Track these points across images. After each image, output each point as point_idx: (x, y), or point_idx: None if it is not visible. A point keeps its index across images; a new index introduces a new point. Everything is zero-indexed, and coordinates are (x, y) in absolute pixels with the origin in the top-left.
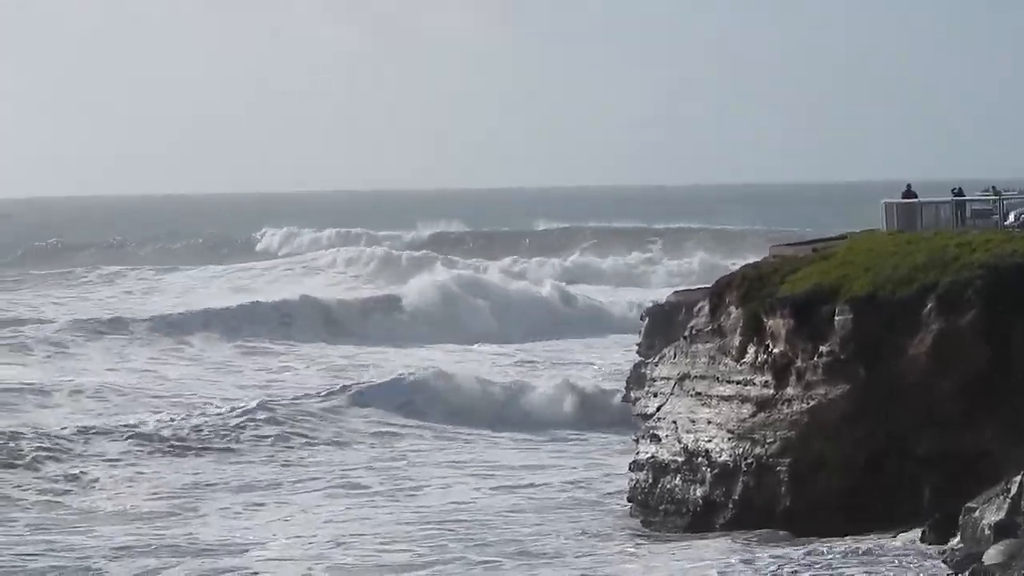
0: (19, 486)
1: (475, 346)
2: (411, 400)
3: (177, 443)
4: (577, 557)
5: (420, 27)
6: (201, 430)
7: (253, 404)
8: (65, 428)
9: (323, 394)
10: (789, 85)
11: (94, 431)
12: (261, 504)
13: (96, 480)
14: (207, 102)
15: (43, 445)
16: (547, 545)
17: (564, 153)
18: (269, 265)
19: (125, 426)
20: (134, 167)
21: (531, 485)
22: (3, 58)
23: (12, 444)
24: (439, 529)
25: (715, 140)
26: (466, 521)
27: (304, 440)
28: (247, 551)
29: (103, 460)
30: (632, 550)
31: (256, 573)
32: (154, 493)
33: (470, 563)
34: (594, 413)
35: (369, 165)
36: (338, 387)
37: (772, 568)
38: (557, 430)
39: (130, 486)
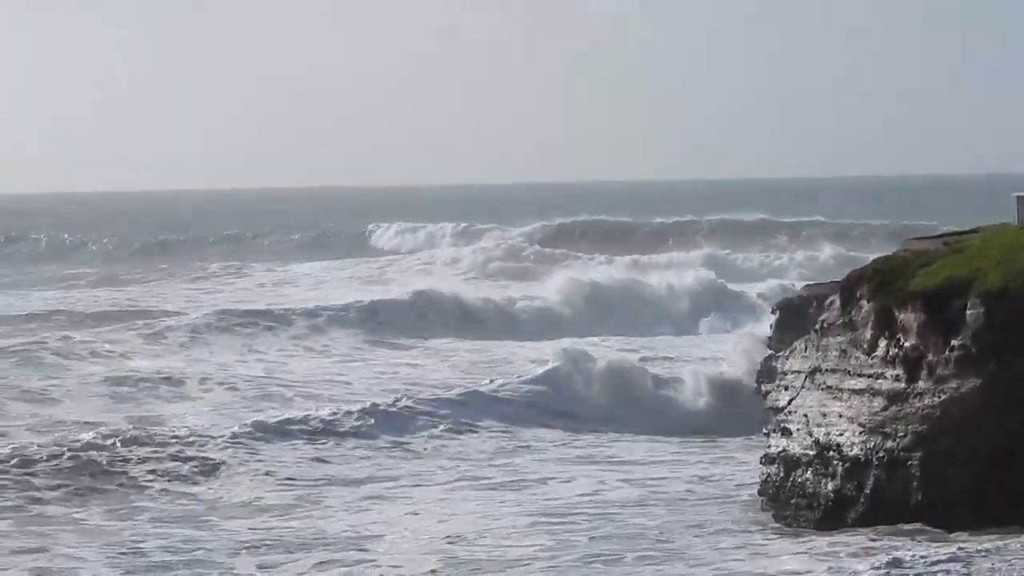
0: (148, 477)
1: (599, 339)
2: (543, 394)
3: (307, 435)
4: (703, 551)
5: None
6: (330, 422)
7: (387, 398)
8: (198, 419)
9: (455, 389)
10: (917, 76)
11: (226, 423)
12: (385, 497)
13: (224, 472)
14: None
15: (175, 435)
16: (672, 539)
17: (673, 145)
18: (391, 259)
19: (256, 420)
20: (249, 162)
21: (658, 478)
22: (130, 54)
23: (143, 434)
24: (562, 523)
25: (841, 131)
26: (589, 514)
27: (431, 434)
28: (371, 545)
29: (232, 451)
30: (763, 543)
31: (379, 567)
32: (280, 485)
33: (592, 556)
34: (724, 406)
35: (460, 159)
36: (471, 382)
37: (923, 567)
38: (685, 423)
39: (255, 478)
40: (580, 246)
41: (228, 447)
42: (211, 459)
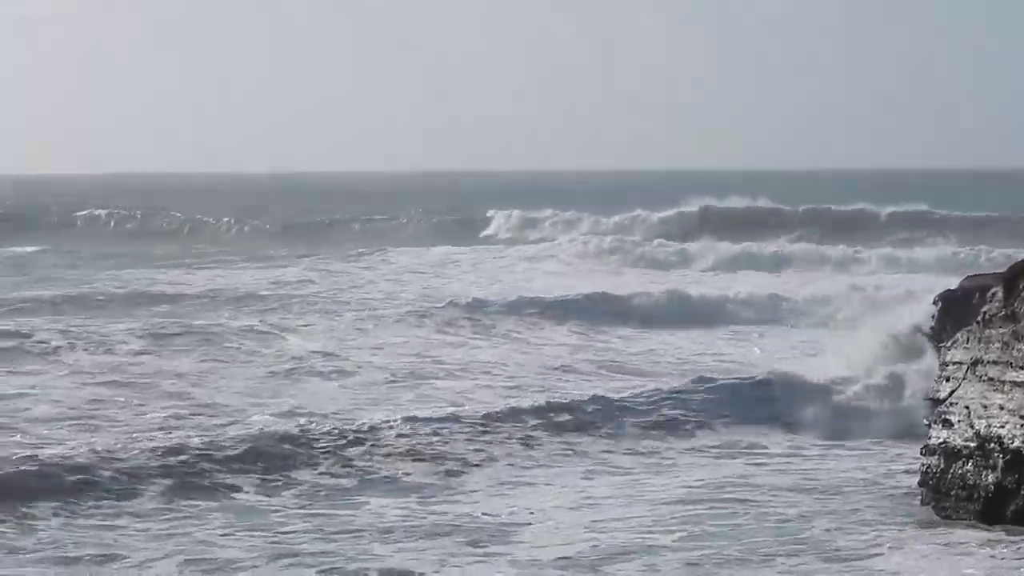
0: (304, 463)
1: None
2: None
3: (475, 426)
4: (851, 541)
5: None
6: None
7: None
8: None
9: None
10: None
11: (388, 411)
12: (527, 484)
13: (378, 455)
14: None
15: (333, 427)
16: (819, 529)
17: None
18: (528, 247)
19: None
20: (365, 144)
21: (809, 467)
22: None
23: (304, 420)
24: (706, 510)
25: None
26: (736, 501)
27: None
28: (511, 531)
29: (388, 435)
30: (918, 534)
31: (517, 555)
32: (431, 470)
33: (734, 542)
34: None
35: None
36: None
37: None
38: (837, 410)
39: (406, 461)
40: (728, 235)
41: (384, 431)
42: (369, 444)
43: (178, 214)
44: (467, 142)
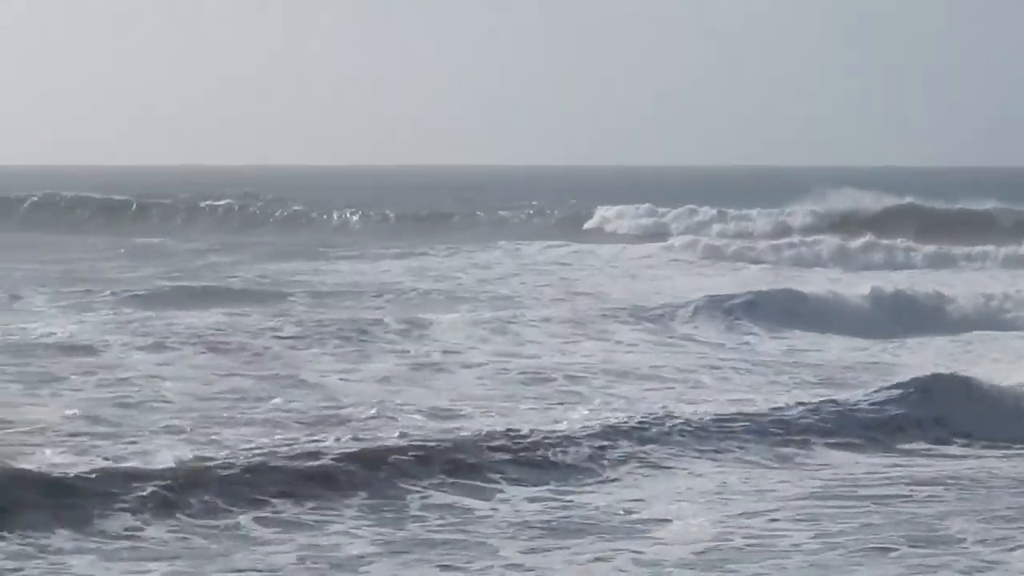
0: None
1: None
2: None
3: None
4: (986, 544)
5: None
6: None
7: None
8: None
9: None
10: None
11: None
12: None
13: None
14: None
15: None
16: (953, 529)
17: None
18: (651, 245)
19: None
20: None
21: (953, 466)
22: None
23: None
24: (836, 508)
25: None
26: (868, 498)
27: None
28: (647, 526)
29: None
30: None
31: (650, 549)
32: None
33: (859, 541)
34: None
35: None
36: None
37: None
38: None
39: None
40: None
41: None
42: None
43: (299, 206)
44: (551, 136)
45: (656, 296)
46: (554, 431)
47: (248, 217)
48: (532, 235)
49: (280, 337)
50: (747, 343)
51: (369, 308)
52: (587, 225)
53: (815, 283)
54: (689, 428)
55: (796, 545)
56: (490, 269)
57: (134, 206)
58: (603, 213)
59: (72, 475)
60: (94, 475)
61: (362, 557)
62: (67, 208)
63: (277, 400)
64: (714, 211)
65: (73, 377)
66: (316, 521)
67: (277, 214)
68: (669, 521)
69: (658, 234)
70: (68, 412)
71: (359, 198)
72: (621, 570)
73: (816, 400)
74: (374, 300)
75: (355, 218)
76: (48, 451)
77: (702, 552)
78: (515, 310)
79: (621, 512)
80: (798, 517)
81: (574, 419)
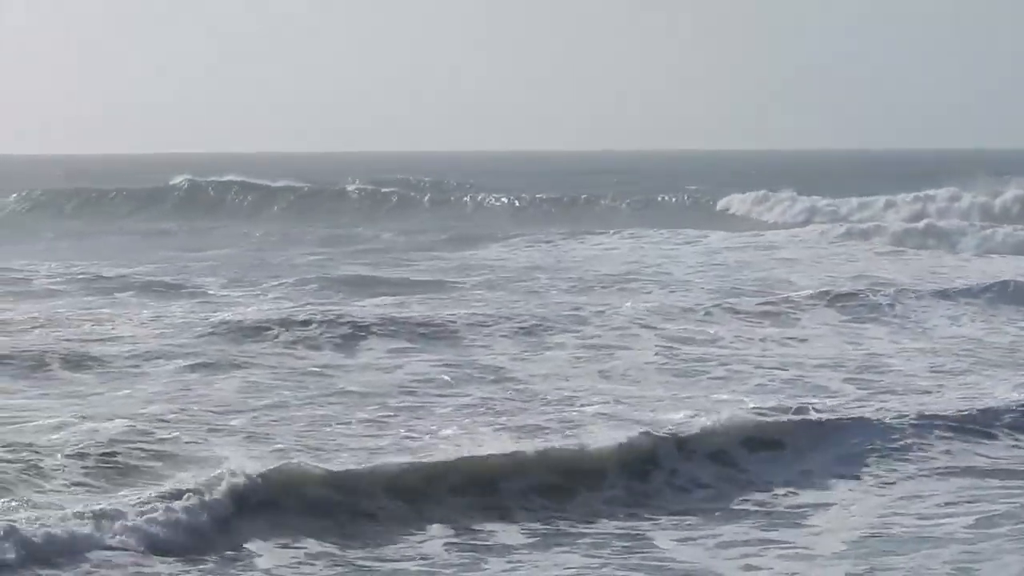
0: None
1: None
2: None
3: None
4: None
5: None
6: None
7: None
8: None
9: None
10: None
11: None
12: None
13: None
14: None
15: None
16: None
17: None
18: (802, 232)
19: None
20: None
21: None
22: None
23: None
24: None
25: None
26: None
27: None
28: (807, 518)
29: None
30: None
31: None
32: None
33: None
34: None
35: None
36: None
37: None
38: None
39: None
40: None
41: None
42: None
43: (466, 198)
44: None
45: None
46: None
47: (416, 204)
48: (671, 221)
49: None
50: None
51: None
52: (716, 209)
53: None
54: None
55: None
56: (669, 251)
57: (302, 191)
58: (735, 199)
59: None
60: None
61: None
62: (253, 194)
63: None
64: (883, 198)
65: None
66: None
67: (443, 199)
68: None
69: (805, 221)
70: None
71: (499, 183)
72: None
73: None
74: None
75: (500, 202)
76: None
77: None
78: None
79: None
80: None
81: None
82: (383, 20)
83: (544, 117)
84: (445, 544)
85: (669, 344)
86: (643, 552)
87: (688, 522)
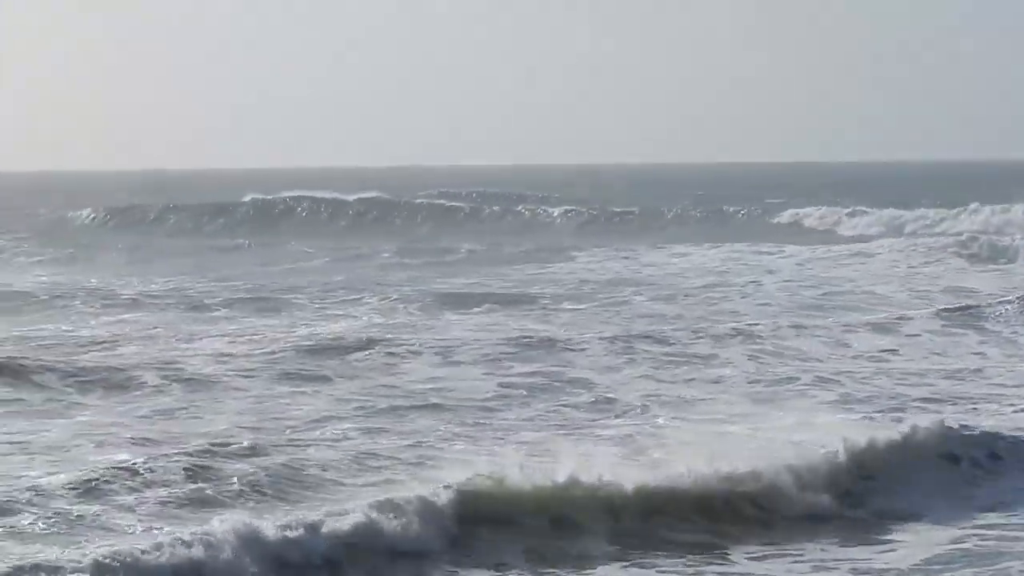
0: None
1: None
2: None
3: None
4: None
5: None
6: None
7: None
8: None
9: None
10: None
11: None
12: None
13: None
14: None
15: None
16: None
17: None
18: (874, 245)
19: None
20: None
21: None
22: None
23: None
24: None
25: None
26: None
27: None
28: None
29: None
30: None
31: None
32: None
33: None
34: None
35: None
36: None
37: None
38: None
39: None
40: None
41: None
42: None
43: (539, 211)
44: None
45: None
46: None
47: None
48: (743, 234)
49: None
50: None
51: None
52: (777, 222)
53: None
54: None
55: None
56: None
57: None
58: (807, 212)
59: None
60: None
61: None
62: (311, 210)
63: None
64: (953, 210)
65: None
66: None
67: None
68: None
69: (881, 234)
70: None
71: (567, 196)
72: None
73: None
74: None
75: (572, 215)
76: None
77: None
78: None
79: None
80: None
81: None
82: (450, 35)
83: (608, 130)
84: None
85: (805, 360)
86: None
87: None
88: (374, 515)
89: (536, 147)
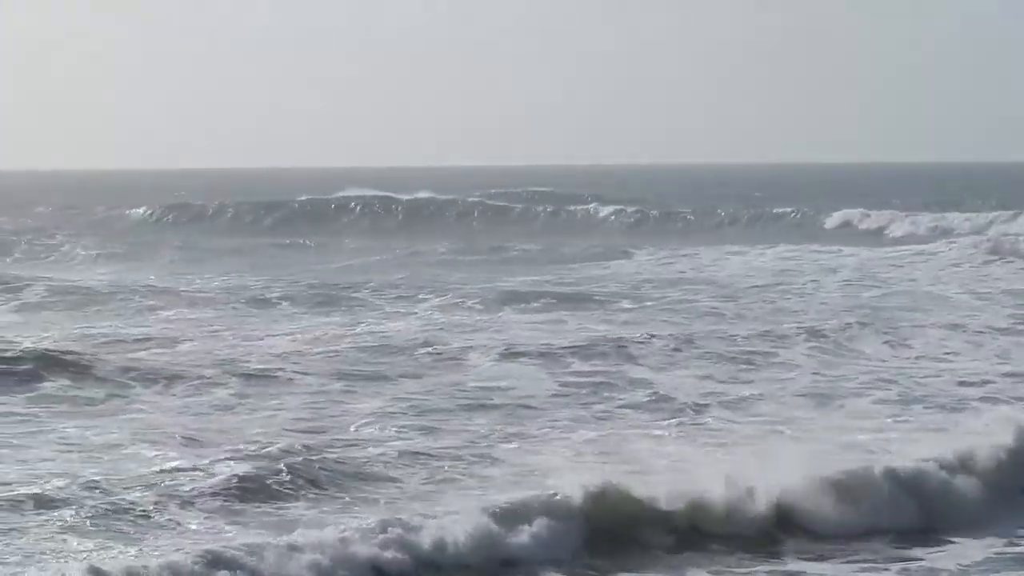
0: None
1: None
2: None
3: None
4: None
5: None
6: None
7: None
8: None
9: None
10: None
11: None
12: None
13: None
14: None
15: None
16: None
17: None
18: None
19: None
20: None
21: None
22: None
23: None
24: None
25: None
26: None
27: None
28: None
29: None
30: None
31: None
32: None
33: None
34: None
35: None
36: None
37: None
38: None
39: None
40: None
41: None
42: None
43: (590, 209)
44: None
45: None
46: None
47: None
48: (795, 235)
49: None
50: None
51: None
52: (828, 223)
53: None
54: None
55: None
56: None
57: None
58: (856, 213)
59: None
60: None
61: None
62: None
63: None
64: (1009, 212)
65: None
66: None
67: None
68: None
69: (932, 237)
70: None
71: (615, 196)
72: None
73: None
74: None
75: (624, 215)
76: None
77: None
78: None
79: None
80: None
81: None
82: (500, 36)
83: (655, 130)
84: None
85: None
86: None
87: None
88: (491, 522)
89: (574, 147)
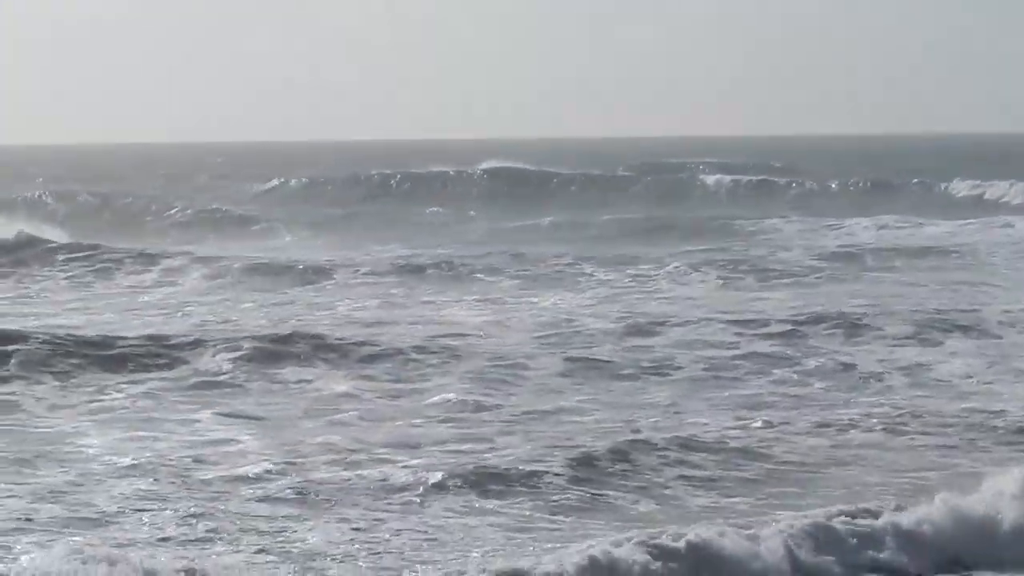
0: None
1: None
2: None
3: None
4: None
5: None
6: None
7: None
8: None
9: None
10: None
11: None
12: None
13: None
14: None
15: None
16: None
17: None
18: None
19: None
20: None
21: None
22: None
23: None
24: None
25: None
26: None
27: None
28: None
29: None
30: None
31: None
32: None
33: None
34: None
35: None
36: None
37: None
38: None
39: None
40: None
41: None
42: None
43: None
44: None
45: None
46: None
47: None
48: (924, 208)
49: None
50: None
51: None
52: (958, 194)
53: None
54: None
55: None
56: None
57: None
58: (977, 183)
59: None
60: None
61: None
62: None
63: None
64: None
65: None
66: None
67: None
68: None
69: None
70: None
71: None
72: None
73: None
74: None
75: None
76: None
77: None
78: None
79: None
80: None
81: None
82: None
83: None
84: None
85: None
86: None
87: None
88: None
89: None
